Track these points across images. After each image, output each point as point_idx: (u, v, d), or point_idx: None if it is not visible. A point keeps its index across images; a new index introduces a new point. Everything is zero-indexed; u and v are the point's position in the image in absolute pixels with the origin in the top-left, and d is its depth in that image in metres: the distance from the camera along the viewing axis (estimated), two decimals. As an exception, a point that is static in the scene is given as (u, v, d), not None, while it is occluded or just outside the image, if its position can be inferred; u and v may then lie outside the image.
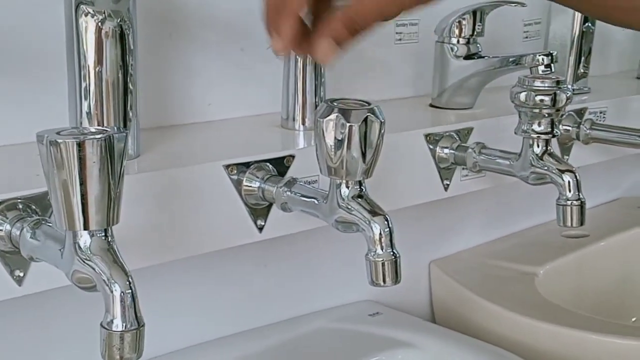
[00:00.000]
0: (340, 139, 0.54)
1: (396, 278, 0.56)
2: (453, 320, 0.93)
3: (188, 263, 0.71)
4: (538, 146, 0.71)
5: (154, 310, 0.69)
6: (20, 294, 0.54)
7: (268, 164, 0.65)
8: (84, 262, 0.45)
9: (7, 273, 0.53)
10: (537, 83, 0.69)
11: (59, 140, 0.43)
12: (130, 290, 0.44)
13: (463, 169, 0.79)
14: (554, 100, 0.68)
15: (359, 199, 0.56)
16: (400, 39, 0.90)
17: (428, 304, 0.98)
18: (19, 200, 0.53)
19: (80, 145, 0.43)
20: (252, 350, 0.79)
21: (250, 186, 0.64)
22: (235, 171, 0.63)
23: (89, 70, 0.60)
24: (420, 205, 0.85)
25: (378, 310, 0.89)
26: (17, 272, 0.53)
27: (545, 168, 0.71)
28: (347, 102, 0.56)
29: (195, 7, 0.74)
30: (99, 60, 0.60)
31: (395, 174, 0.75)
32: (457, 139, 0.79)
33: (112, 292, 0.44)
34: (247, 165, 0.64)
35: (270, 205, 0.66)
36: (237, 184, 0.64)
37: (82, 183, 0.44)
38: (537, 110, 0.70)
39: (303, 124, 0.75)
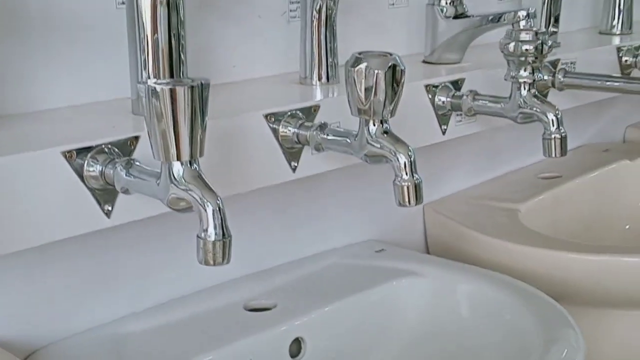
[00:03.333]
0: (369, 84, 0.65)
1: (419, 199, 0.66)
2: (446, 251, 1.04)
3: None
4: (525, 89, 0.83)
5: (181, 251, 0.80)
6: (110, 225, 0.64)
7: (299, 112, 0.76)
8: (179, 187, 0.55)
9: (98, 207, 0.63)
10: (523, 35, 0.81)
11: (158, 88, 0.53)
12: (219, 208, 0.54)
13: (457, 114, 0.91)
14: (539, 49, 0.80)
15: (385, 135, 0.67)
16: (393, 4, 1.01)
17: (423, 240, 1.10)
18: (105, 146, 0.63)
19: (173, 91, 0.53)
20: (277, 284, 0.89)
21: (285, 132, 0.75)
22: (273, 119, 0.74)
23: (147, 40, 0.69)
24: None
25: (382, 247, 1.00)
26: (107, 207, 0.63)
27: (532, 108, 0.83)
28: (373, 53, 0.66)
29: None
30: (156, 30, 0.69)
31: (400, 121, 0.85)
32: (452, 88, 0.90)
33: (205, 210, 0.54)
34: (282, 114, 0.74)
35: (302, 148, 0.76)
36: (274, 131, 0.74)
37: (175, 123, 0.54)
38: (523, 58, 0.81)
39: (319, 80, 0.85)
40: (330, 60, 0.85)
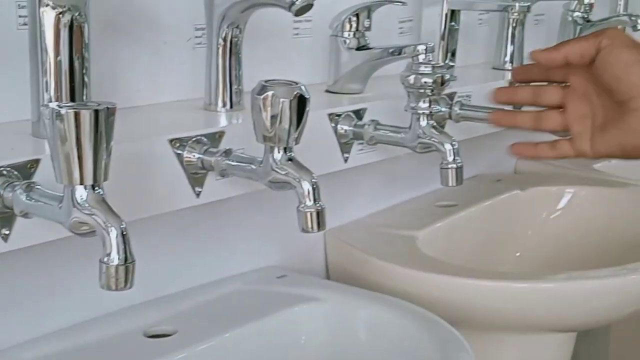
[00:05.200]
0: (274, 112, 0.66)
1: (322, 225, 0.68)
2: (346, 277, 1.06)
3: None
4: (424, 120, 0.86)
5: (78, 276, 0.79)
6: (7, 250, 0.62)
7: (204, 138, 0.76)
8: (82, 211, 0.54)
9: (-5, 231, 0.61)
10: (422, 68, 0.84)
11: (62, 111, 0.53)
12: (123, 233, 0.54)
13: (359, 143, 0.93)
14: (440, 81, 0.83)
15: (290, 162, 0.68)
16: (297, 34, 1.03)
17: (324, 266, 1.11)
18: (3, 169, 0.61)
19: (77, 115, 0.53)
20: (178, 310, 0.88)
21: (190, 157, 0.75)
22: (178, 144, 0.74)
23: (50, 62, 0.68)
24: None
25: (284, 273, 1.01)
26: (4, 231, 0.62)
27: (430, 138, 0.86)
28: (279, 82, 0.67)
29: (123, 5, 0.83)
30: (58, 52, 0.68)
31: (304, 148, 0.87)
32: (355, 117, 0.92)
33: (109, 234, 0.54)
34: (187, 139, 0.75)
35: (206, 174, 0.76)
36: (178, 156, 0.74)
37: (79, 147, 0.54)
38: (422, 91, 0.84)
39: (224, 106, 0.86)
40: (235, 87, 0.86)
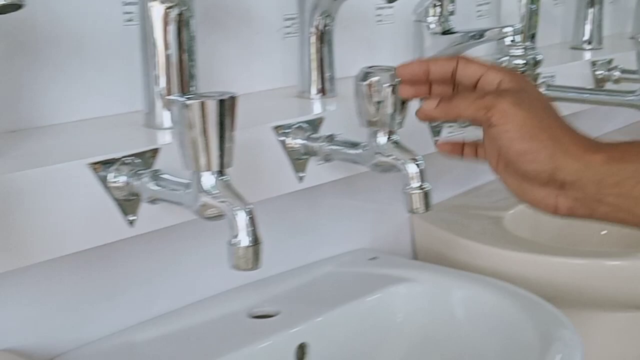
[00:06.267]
0: (379, 97, 0.68)
1: (429, 206, 0.69)
2: (434, 258, 1.08)
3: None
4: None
5: (185, 261, 0.82)
6: (133, 234, 0.66)
7: (305, 124, 0.78)
8: (209, 196, 0.57)
9: (122, 217, 0.65)
10: (513, 50, 0.85)
11: (188, 102, 0.56)
12: (251, 215, 0.57)
13: (449, 126, 0.94)
14: (533, 62, 0.84)
15: (394, 145, 0.70)
16: (380, 20, 1.04)
17: (411, 248, 1.13)
18: (127, 158, 0.65)
19: (204, 104, 0.56)
20: (278, 291, 0.91)
21: (293, 143, 0.78)
22: (282, 131, 0.77)
23: (159, 56, 0.71)
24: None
25: (375, 255, 1.03)
26: (130, 216, 0.65)
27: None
28: (381, 68, 0.69)
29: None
30: (167, 46, 0.71)
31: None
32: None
33: (237, 217, 0.56)
34: (289, 126, 0.77)
35: (308, 159, 0.79)
36: (282, 143, 0.77)
37: (205, 135, 0.56)
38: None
39: (317, 93, 0.88)
40: (327, 74, 0.88)
